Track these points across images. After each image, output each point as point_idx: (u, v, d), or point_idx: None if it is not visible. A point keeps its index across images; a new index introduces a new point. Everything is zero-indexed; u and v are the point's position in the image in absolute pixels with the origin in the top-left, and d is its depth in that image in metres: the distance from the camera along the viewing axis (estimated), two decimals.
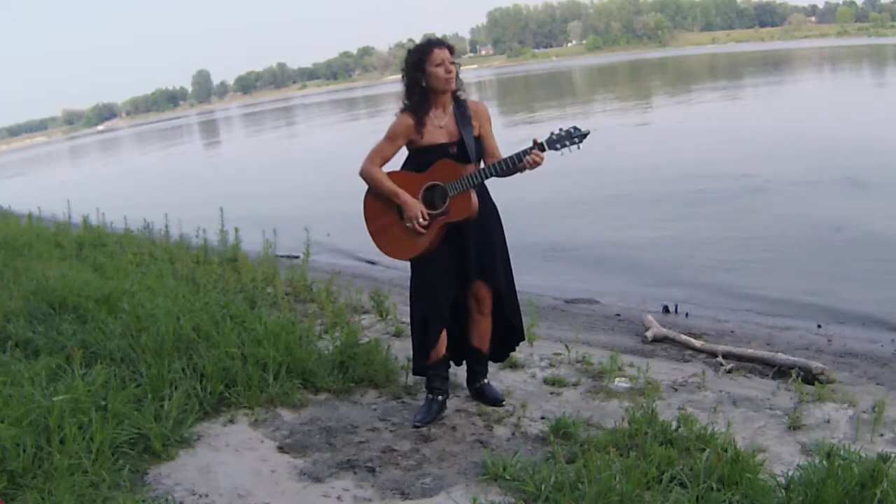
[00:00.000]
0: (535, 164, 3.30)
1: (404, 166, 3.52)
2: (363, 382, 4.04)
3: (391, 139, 3.47)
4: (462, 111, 3.45)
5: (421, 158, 3.45)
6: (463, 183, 3.34)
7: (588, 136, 3.28)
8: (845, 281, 6.69)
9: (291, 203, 13.64)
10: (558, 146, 3.28)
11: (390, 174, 3.47)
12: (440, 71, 3.36)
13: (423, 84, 3.40)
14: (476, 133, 3.48)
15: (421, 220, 3.37)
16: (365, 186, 3.54)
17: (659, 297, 6.64)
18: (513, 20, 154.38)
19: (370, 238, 3.56)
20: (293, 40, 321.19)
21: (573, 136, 3.27)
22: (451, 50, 3.43)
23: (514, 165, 3.32)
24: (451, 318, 3.61)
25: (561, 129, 3.29)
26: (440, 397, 3.66)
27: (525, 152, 3.28)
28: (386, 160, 3.50)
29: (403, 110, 3.47)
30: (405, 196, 3.40)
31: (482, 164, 3.44)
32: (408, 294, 3.69)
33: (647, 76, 50.84)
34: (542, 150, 3.28)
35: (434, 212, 3.39)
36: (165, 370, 3.65)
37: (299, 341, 4.15)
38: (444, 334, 3.60)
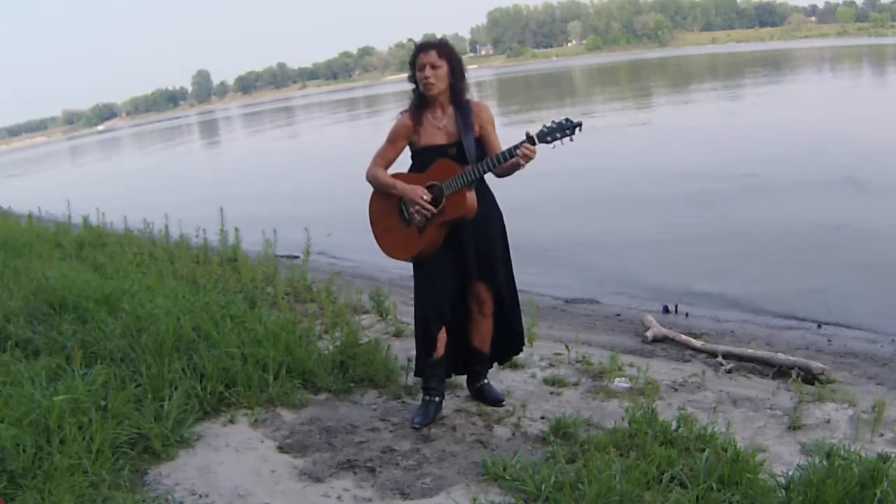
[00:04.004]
0: (528, 158, 3.22)
1: (409, 169, 3.55)
2: (363, 382, 4.04)
3: (391, 141, 3.51)
4: (463, 112, 3.45)
5: (421, 159, 3.47)
6: (458, 181, 3.32)
7: (580, 128, 3.16)
8: (845, 280, 6.69)
9: (291, 203, 13.63)
10: (549, 139, 3.19)
11: (394, 176, 3.49)
12: (420, 76, 3.40)
13: (418, 87, 3.44)
14: (477, 134, 3.47)
15: (422, 199, 3.34)
16: (371, 190, 3.56)
17: (659, 297, 6.64)
18: (513, 20, 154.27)
19: (375, 241, 3.58)
20: (293, 40, 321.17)
21: (564, 129, 3.17)
22: (441, 50, 3.41)
23: (507, 160, 3.27)
24: (453, 321, 3.60)
25: (553, 122, 3.20)
26: (436, 398, 3.65)
27: (516, 147, 3.23)
28: (389, 162, 3.52)
29: (404, 112, 3.51)
30: (402, 185, 3.42)
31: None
32: (408, 294, 3.70)
33: (648, 76, 50.82)
34: (533, 143, 3.21)
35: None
36: (165, 370, 3.64)
37: (299, 341, 4.15)
38: (443, 335, 3.59)
